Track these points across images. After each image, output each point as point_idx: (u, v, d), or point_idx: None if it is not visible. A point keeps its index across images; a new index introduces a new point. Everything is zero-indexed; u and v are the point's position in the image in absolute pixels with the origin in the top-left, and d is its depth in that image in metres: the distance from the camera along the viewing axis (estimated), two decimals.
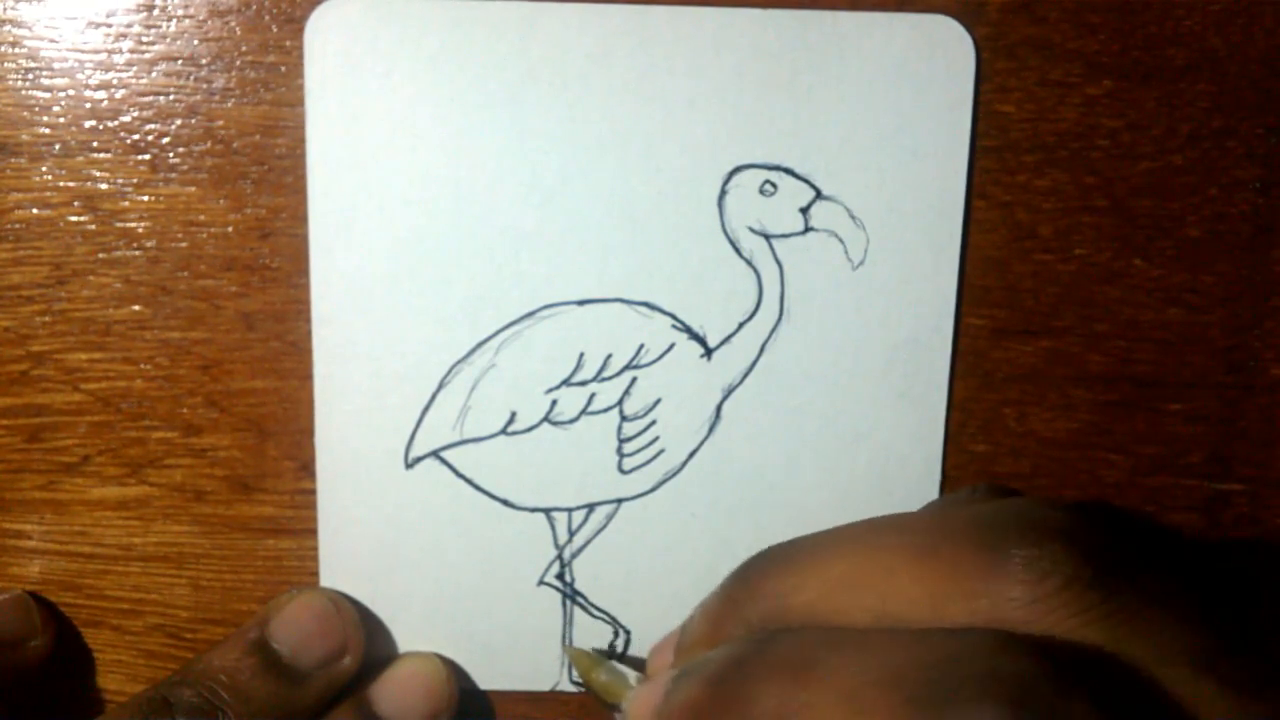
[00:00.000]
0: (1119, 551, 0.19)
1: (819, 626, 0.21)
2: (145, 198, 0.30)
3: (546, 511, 0.31)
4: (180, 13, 0.29)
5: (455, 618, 0.32)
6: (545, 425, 0.31)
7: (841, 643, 0.19)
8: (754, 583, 0.23)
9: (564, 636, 0.32)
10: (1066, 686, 0.17)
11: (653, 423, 0.31)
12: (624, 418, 0.31)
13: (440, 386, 0.30)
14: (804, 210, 0.30)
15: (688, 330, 0.30)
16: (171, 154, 0.30)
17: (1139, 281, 0.31)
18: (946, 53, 0.29)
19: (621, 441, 0.31)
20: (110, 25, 0.29)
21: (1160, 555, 0.20)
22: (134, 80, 0.29)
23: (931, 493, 0.31)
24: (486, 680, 0.32)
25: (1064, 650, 0.18)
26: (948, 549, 0.19)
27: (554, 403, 0.31)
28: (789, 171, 0.30)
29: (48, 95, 0.29)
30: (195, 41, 0.29)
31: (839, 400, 0.31)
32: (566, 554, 0.31)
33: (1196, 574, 0.20)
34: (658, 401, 0.31)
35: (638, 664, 0.30)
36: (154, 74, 0.29)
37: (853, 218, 0.30)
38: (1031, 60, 0.30)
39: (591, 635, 0.32)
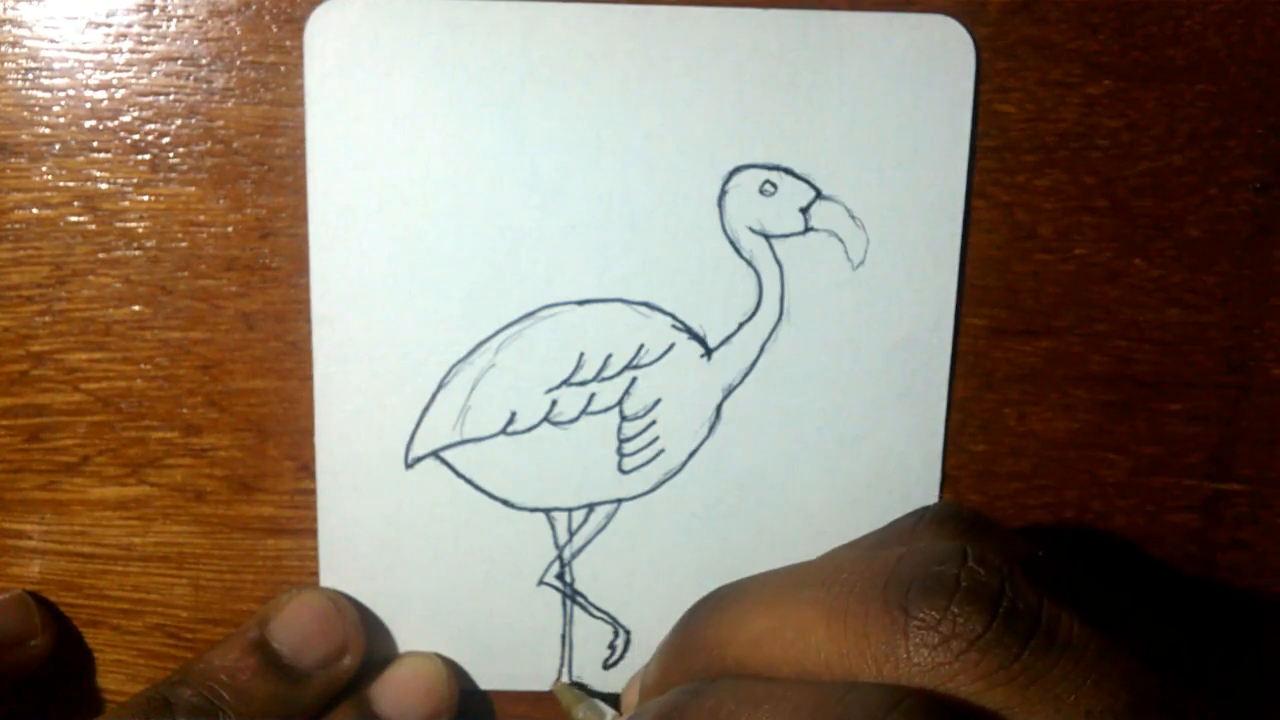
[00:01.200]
0: (1030, 607, 0.19)
1: (744, 679, 0.21)
2: (145, 198, 0.30)
3: (546, 511, 0.31)
4: (180, 13, 0.29)
5: (455, 618, 0.32)
6: (545, 425, 0.31)
7: (757, 698, 0.20)
8: (693, 632, 0.23)
9: (564, 636, 0.32)
10: None
11: (653, 423, 0.31)
12: (624, 418, 0.31)
13: (440, 386, 0.30)
14: (804, 210, 0.30)
15: (688, 330, 0.30)
16: (171, 154, 0.30)
17: (1139, 281, 0.31)
18: (946, 53, 0.29)
19: (621, 441, 0.31)
20: (110, 25, 0.29)
21: (1086, 603, 0.19)
22: (134, 80, 0.29)
23: (931, 493, 0.31)
24: (486, 680, 0.32)
25: (955, 712, 0.18)
26: (857, 610, 0.19)
27: (554, 403, 0.31)
28: (789, 171, 0.30)
29: (48, 95, 0.29)
30: (195, 41, 0.29)
31: (839, 400, 0.31)
32: (566, 554, 0.31)
33: (1126, 621, 0.19)
34: (658, 401, 0.31)
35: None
36: (154, 74, 0.29)
37: (853, 218, 0.30)
38: (1031, 60, 0.30)
39: (591, 635, 0.32)
